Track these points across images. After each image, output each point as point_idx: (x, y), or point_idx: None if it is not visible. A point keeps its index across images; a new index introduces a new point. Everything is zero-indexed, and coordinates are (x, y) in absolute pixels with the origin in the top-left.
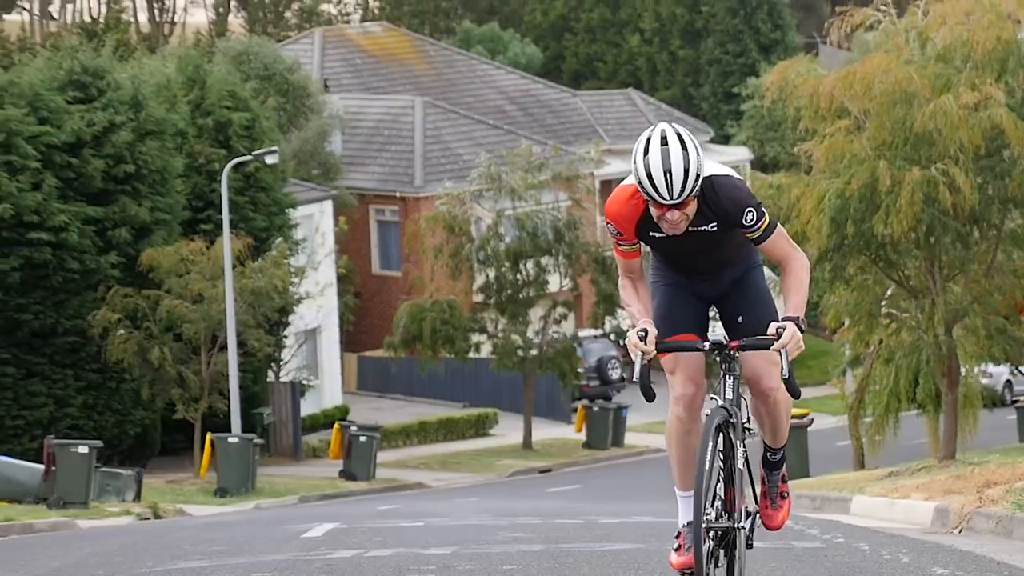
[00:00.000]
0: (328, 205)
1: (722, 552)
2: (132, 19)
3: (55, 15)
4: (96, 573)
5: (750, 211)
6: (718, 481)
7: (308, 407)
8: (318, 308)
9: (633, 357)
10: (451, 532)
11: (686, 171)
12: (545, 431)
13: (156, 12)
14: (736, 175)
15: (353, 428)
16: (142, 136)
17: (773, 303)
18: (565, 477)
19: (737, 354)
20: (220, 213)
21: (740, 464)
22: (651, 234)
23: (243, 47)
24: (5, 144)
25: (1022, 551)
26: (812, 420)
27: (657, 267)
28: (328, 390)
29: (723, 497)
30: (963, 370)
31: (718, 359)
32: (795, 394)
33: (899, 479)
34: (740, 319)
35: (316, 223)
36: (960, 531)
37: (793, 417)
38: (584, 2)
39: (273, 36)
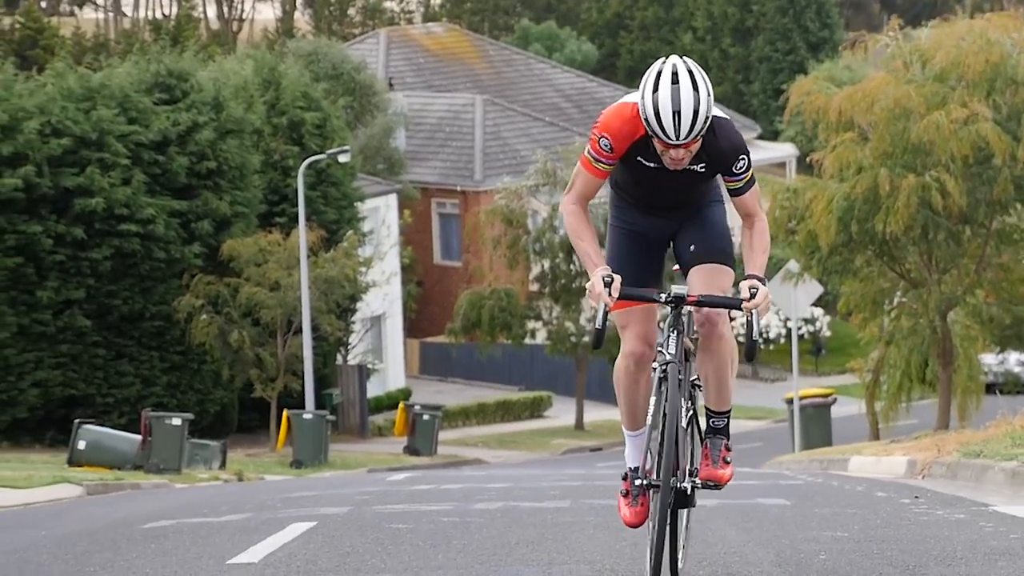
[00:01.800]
0: (393, 198)
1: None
2: (202, 16)
3: (127, 13)
4: (221, 507)
5: (743, 158)
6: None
7: (373, 389)
8: (383, 296)
9: (595, 303)
10: (508, 477)
11: (695, 113)
12: (596, 413)
13: (225, 9)
14: (729, 119)
15: (417, 407)
16: (223, 135)
17: (730, 237)
18: (614, 455)
19: (683, 275)
20: (294, 206)
21: (684, 423)
22: (638, 159)
23: (313, 48)
24: (98, 142)
25: (960, 487)
26: (835, 399)
27: (619, 206)
28: (392, 373)
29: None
30: (960, 353)
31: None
32: (752, 356)
33: (893, 445)
34: (692, 247)
35: (382, 216)
36: (923, 476)
37: (818, 396)
38: (638, 0)
39: (337, 33)
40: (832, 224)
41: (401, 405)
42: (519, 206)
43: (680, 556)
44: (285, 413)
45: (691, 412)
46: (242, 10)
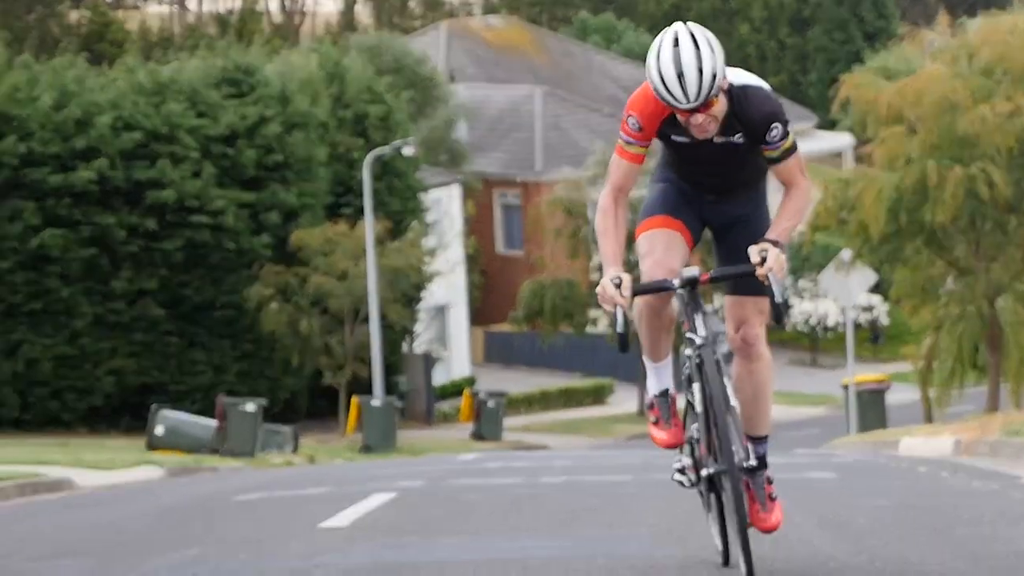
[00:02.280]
0: (456, 189)
1: (712, 496)
2: (264, 10)
3: (191, 7)
4: (303, 483)
5: (776, 126)
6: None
7: (438, 377)
8: (448, 286)
9: (607, 308)
10: (571, 457)
11: (700, 71)
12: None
13: (287, 3)
14: (768, 87)
15: (481, 394)
16: (289, 128)
17: None
18: None
19: (722, 301)
20: (359, 198)
21: (732, 400)
22: (672, 137)
23: (375, 41)
24: (169, 136)
25: (1000, 464)
26: (890, 385)
27: (665, 169)
28: (456, 362)
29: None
30: (1009, 338)
31: (686, 296)
32: (780, 319)
33: (942, 427)
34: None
35: (445, 207)
36: (967, 455)
37: (873, 382)
38: None
39: (398, 26)
40: (882, 214)
41: (466, 392)
42: (579, 197)
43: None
44: (354, 399)
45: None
46: (304, 3)
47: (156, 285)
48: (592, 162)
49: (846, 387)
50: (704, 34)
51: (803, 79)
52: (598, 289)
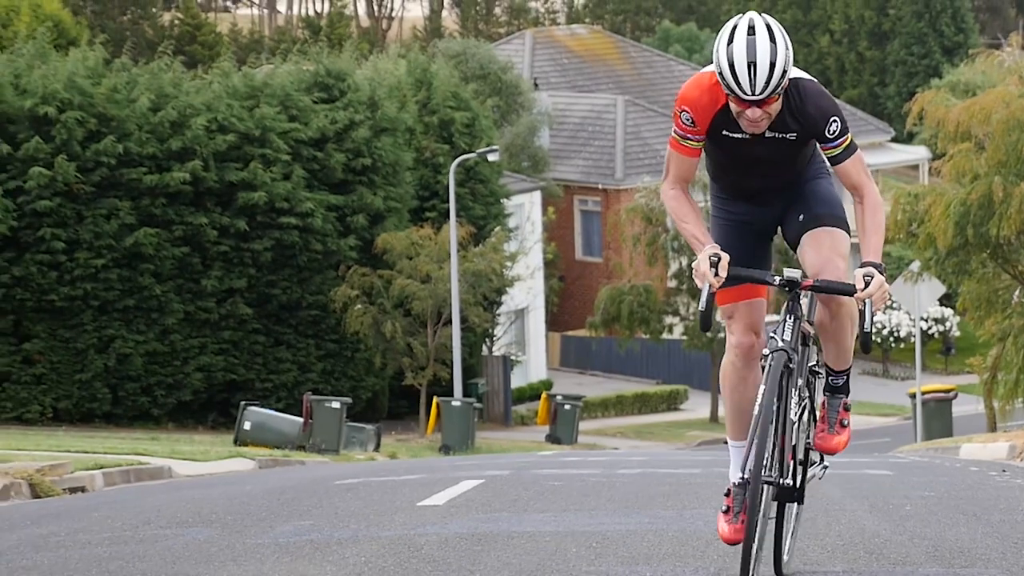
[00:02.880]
0: (537, 196)
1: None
2: (353, 14)
3: (281, 10)
4: (396, 471)
5: (835, 120)
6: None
7: (515, 380)
8: (527, 290)
9: (700, 284)
10: (646, 454)
11: (772, 65)
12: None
13: (375, 7)
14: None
15: (559, 397)
16: (377, 133)
17: (839, 202)
18: None
19: (795, 247)
20: (444, 202)
21: (793, 414)
22: (724, 132)
23: (461, 48)
24: (261, 139)
25: None
26: (956, 395)
27: (719, 196)
28: (534, 365)
29: (772, 446)
30: None
31: (786, 296)
32: (867, 348)
33: (1001, 434)
34: (801, 216)
35: (527, 212)
36: (1021, 459)
37: (940, 392)
38: (778, 3)
39: (483, 33)
40: (949, 228)
41: (544, 395)
42: (658, 204)
43: (785, 551)
44: (435, 400)
45: (805, 402)
46: (391, 8)
47: (245, 284)
48: None
49: (913, 396)
50: (779, 28)
51: (881, 92)
52: (694, 263)
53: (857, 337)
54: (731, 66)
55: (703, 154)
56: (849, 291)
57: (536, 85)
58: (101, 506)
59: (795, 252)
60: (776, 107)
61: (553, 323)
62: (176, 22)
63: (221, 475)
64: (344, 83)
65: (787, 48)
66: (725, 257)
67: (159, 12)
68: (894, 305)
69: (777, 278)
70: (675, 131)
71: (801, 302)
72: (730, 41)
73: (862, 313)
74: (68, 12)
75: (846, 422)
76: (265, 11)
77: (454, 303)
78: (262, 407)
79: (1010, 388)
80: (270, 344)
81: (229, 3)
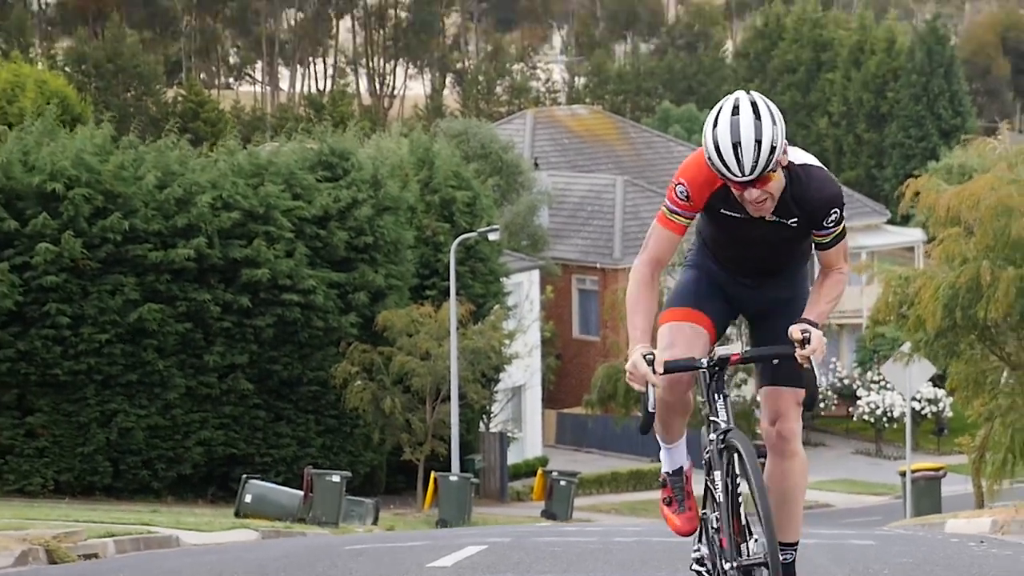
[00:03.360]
0: (536, 274)
1: None
2: (355, 92)
3: (283, 87)
4: (400, 539)
5: (835, 211)
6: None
7: (511, 457)
8: (525, 368)
9: (637, 386)
10: (640, 525)
11: (758, 143)
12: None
13: (377, 86)
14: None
15: (554, 473)
16: (380, 211)
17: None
18: None
19: (758, 391)
20: (444, 280)
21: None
22: (722, 211)
23: (463, 127)
24: (264, 217)
25: None
26: (945, 474)
27: (700, 253)
28: (530, 442)
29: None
30: None
31: (715, 374)
32: (813, 404)
33: (986, 510)
34: (776, 361)
35: (525, 291)
36: (1003, 532)
37: (929, 470)
38: (777, 85)
39: (485, 112)
40: (938, 310)
41: (540, 471)
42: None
43: None
44: (433, 475)
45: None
46: (393, 86)
47: (246, 360)
48: None
49: (903, 474)
50: (766, 104)
51: (879, 174)
52: (628, 366)
53: (805, 403)
54: (717, 149)
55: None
56: (788, 352)
57: (536, 165)
58: (123, 569)
59: (753, 345)
60: (776, 185)
61: (549, 400)
62: (179, 99)
63: (226, 544)
64: (347, 162)
65: (774, 124)
66: (661, 355)
67: (162, 89)
68: (888, 386)
69: (705, 361)
70: (666, 204)
71: (725, 380)
72: (715, 124)
73: (810, 372)
74: (73, 89)
75: None
76: (268, 88)
77: (453, 380)
78: (263, 480)
79: (997, 468)
80: (270, 419)
81: (231, 79)
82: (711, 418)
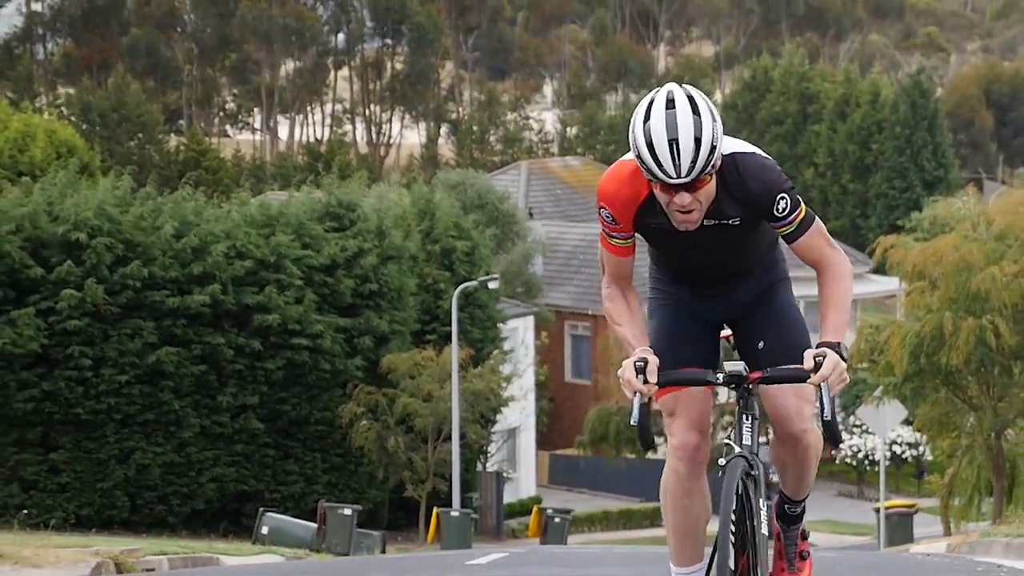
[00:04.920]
0: (531, 320)
1: None
2: (352, 141)
3: (282, 136)
4: (422, 558)
5: (783, 197)
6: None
7: (506, 496)
8: (520, 410)
9: (628, 394)
10: (632, 549)
11: (697, 141)
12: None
13: (374, 135)
14: (764, 154)
15: (549, 511)
16: (384, 260)
17: (804, 326)
18: None
19: (757, 388)
20: (444, 325)
21: (764, 528)
22: (653, 225)
23: (460, 178)
24: (275, 265)
25: (978, 556)
26: (917, 510)
27: (657, 279)
28: (524, 482)
29: (733, 568)
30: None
31: (735, 395)
32: (836, 440)
33: (944, 539)
34: (761, 343)
35: (521, 336)
36: (955, 552)
37: (901, 507)
38: (764, 136)
39: (479, 161)
40: (905, 357)
41: (535, 508)
42: None
43: None
44: (435, 510)
45: (769, 515)
46: (389, 135)
47: (257, 401)
48: None
49: (877, 511)
50: (704, 99)
51: (863, 224)
52: (619, 372)
53: (825, 437)
54: (650, 146)
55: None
56: (802, 377)
57: (531, 214)
58: None
59: (741, 357)
60: (709, 192)
61: (543, 442)
62: (182, 147)
63: (260, 565)
64: (354, 213)
65: (714, 121)
66: (654, 361)
67: (165, 138)
68: (868, 430)
69: (719, 375)
70: (603, 230)
71: (752, 398)
72: (647, 118)
73: (821, 401)
74: (81, 139)
75: (806, 553)
76: (267, 136)
77: (455, 420)
78: (279, 513)
79: (963, 507)
80: (279, 457)
81: (228, 127)
82: (726, 441)
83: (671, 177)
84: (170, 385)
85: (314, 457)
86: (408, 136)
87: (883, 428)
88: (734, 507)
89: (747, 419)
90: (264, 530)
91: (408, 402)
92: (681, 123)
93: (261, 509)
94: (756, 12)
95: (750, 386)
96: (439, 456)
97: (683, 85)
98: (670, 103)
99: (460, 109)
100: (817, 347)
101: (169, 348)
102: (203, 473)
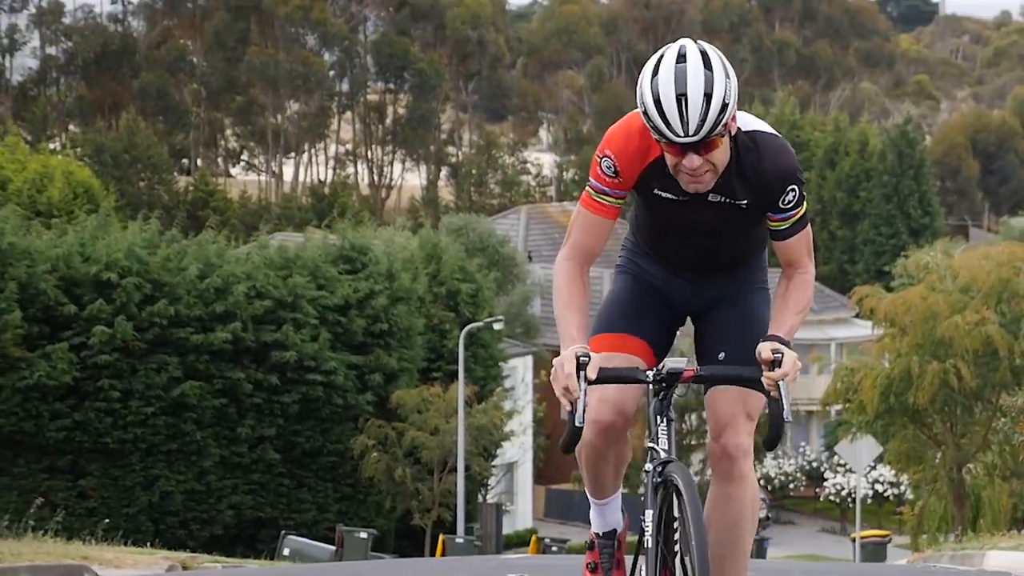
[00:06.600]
0: (530, 359)
1: None
2: (355, 183)
3: (286, 177)
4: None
5: (793, 188)
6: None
7: (504, 528)
8: (519, 445)
9: (558, 392)
10: None
11: (707, 96)
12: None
13: (376, 177)
14: (785, 139)
15: (547, 539)
16: (394, 301)
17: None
18: None
19: (704, 393)
20: (449, 364)
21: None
22: (656, 192)
23: (463, 222)
24: (292, 305)
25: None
26: (891, 539)
27: (632, 251)
28: (521, 515)
29: None
30: (985, 502)
31: (661, 392)
32: (774, 444)
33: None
34: (723, 355)
35: (520, 374)
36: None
37: (876, 535)
38: None
39: (477, 204)
40: (876, 396)
41: (534, 537)
42: None
43: None
44: (441, 536)
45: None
46: (391, 178)
47: (274, 432)
48: None
49: (854, 540)
50: (718, 54)
51: (851, 269)
52: (557, 362)
53: (767, 438)
54: (656, 101)
55: (628, 208)
56: (754, 376)
57: (530, 257)
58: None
59: (698, 360)
60: (721, 156)
61: (539, 477)
62: (190, 188)
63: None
64: (365, 256)
65: (727, 77)
66: (595, 358)
67: (174, 179)
68: (850, 468)
69: (650, 373)
70: (591, 184)
71: (670, 402)
72: (655, 73)
73: (776, 404)
74: (96, 180)
75: None
76: (271, 178)
77: (460, 453)
78: (299, 536)
79: (931, 537)
80: (294, 486)
81: (231, 166)
82: (649, 445)
83: (678, 136)
84: (193, 417)
85: (326, 487)
86: (409, 178)
87: (859, 462)
88: (659, 520)
89: (662, 422)
90: (286, 551)
91: (416, 435)
92: (691, 78)
93: (283, 532)
94: (749, 61)
95: (672, 385)
96: (444, 486)
97: (698, 41)
98: (681, 57)
99: (459, 152)
100: (770, 338)
101: (192, 382)
102: (222, 500)
